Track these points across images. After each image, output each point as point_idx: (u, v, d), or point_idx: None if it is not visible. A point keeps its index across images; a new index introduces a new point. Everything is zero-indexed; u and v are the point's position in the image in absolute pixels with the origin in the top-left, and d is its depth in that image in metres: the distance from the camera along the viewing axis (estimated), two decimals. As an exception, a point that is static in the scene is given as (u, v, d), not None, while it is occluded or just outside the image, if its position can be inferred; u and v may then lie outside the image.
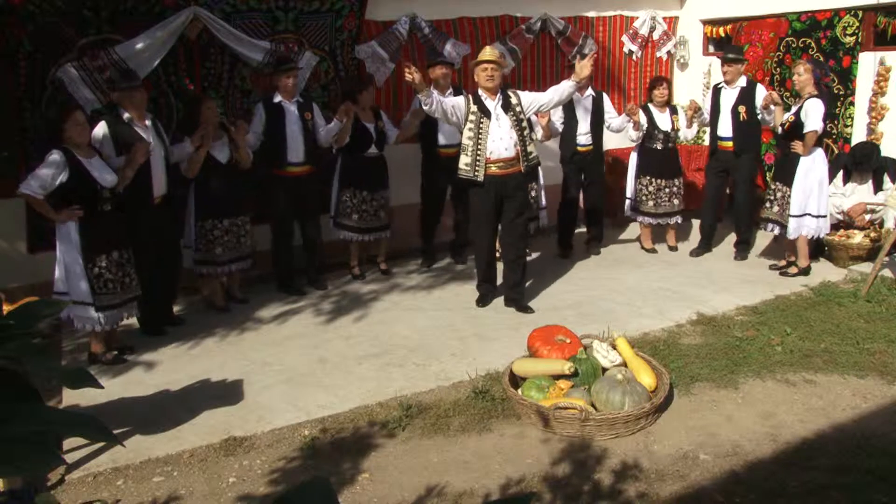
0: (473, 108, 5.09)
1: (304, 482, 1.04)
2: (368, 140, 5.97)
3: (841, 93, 6.73)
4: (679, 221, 6.78)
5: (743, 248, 6.54)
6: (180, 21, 5.47)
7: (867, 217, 6.16)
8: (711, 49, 8.09)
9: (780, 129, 5.99)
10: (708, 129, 6.68)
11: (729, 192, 6.82)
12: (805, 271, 5.90)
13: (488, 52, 5.13)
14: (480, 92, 5.15)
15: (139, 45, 5.32)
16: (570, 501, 3.08)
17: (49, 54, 5.18)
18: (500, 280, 5.61)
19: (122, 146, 4.65)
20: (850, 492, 3.04)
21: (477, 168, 5.08)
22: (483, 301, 5.51)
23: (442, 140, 6.23)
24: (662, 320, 5.07)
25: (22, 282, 5.26)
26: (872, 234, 6.02)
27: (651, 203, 6.63)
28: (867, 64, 6.52)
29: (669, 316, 5.14)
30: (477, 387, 4.09)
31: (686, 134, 6.53)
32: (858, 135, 6.62)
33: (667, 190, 6.59)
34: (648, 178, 6.61)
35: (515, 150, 5.11)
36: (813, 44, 6.91)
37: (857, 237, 6.04)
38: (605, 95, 6.63)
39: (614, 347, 4.12)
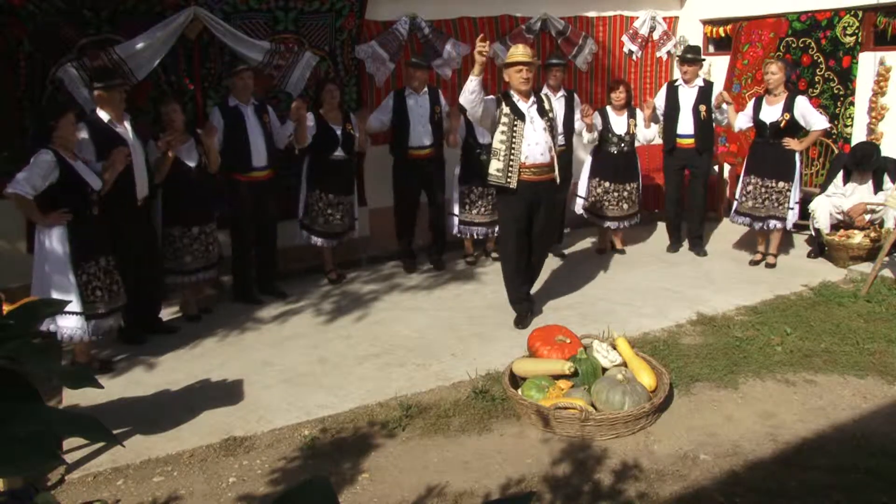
0: (506, 109, 4.75)
1: (304, 482, 1.04)
2: (334, 142, 5.83)
3: (841, 93, 6.73)
4: (629, 225, 6.73)
5: (698, 243, 6.71)
6: (180, 21, 5.47)
7: (867, 217, 6.16)
8: (711, 49, 8.09)
9: (738, 128, 6.25)
10: (662, 128, 6.70)
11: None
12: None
13: (521, 52, 4.74)
14: (512, 93, 4.82)
15: (139, 45, 5.31)
16: (570, 501, 3.08)
17: (49, 54, 5.18)
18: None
19: (101, 148, 4.51)
20: (850, 492, 3.04)
21: (510, 174, 4.75)
22: (522, 322, 5.07)
23: (412, 142, 6.11)
24: (662, 320, 5.07)
25: (22, 282, 5.24)
26: (872, 234, 6.02)
27: (599, 206, 6.60)
28: (867, 64, 6.52)
29: (669, 316, 5.14)
30: (477, 387, 4.09)
31: (645, 134, 6.49)
32: (858, 135, 6.63)
33: (615, 194, 6.54)
34: (598, 180, 6.58)
35: (550, 155, 4.83)
36: (813, 44, 6.91)
37: (857, 237, 6.04)
38: (576, 95, 6.51)
39: (614, 347, 4.12)
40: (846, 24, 6.62)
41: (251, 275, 5.81)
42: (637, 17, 7.96)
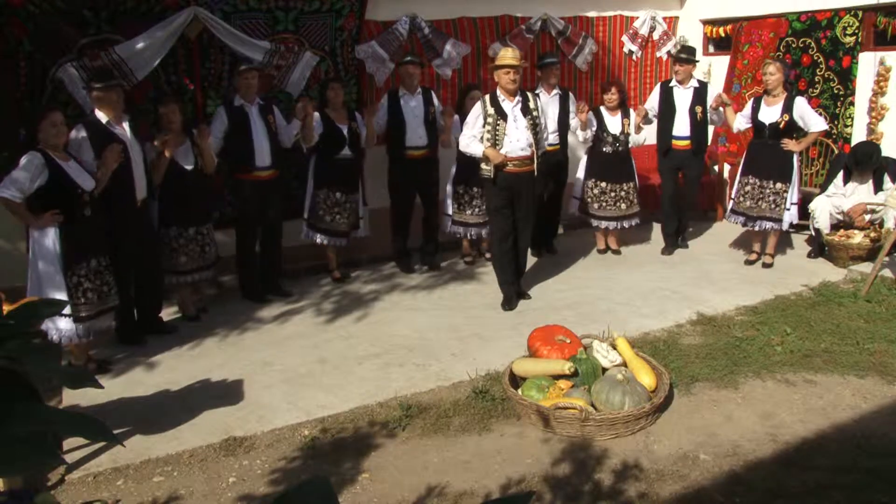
0: (490, 110, 5.13)
1: (304, 482, 1.04)
2: (341, 141, 5.84)
3: (841, 93, 6.73)
4: (627, 226, 6.70)
5: (673, 242, 6.81)
6: (180, 21, 5.47)
7: (867, 217, 6.16)
8: (711, 49, 8.10)
9: (737, 129, 6.25)
10: (656, 129, 6.66)
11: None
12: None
13: (510, 56, 5.09)
14: (498, 93, 5.17)
15: (139, 45, 5.32)
16: (570, 501, 3.08)
17: (49, 54, 5.18)
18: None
19: (99, 149, 4.46)
20: (850, 492, 3.04)
21: (493, 167, 5.16)
22: (509, 303, 5.41)
23: (409, 142, 6.08)
24: (662, 320, 5.07)
25: (22, 282, 5.24)
26: (872, 234, 6.02)
27: (596, 206, 6.59)
28: (867, 64, 6.52)
29: (669, 316, 5.14)
30: (477, 387, 4.09)
31: (635, 139, 6.46)
32: (858, 135, 6.63)
33: (612, 194, 6.53)
34: (594, 180, 6.57)
35: (531, 150, 5.18)
36: (813, 44, 6.91)
37: (857, 237, 6.04)
38: (570, 94, 6.55)
39: (614, 347, 4.12)
40: (846, 24, 6.62)
41: (256, 273, 5.80)
42: (637, 17, 7.96)
